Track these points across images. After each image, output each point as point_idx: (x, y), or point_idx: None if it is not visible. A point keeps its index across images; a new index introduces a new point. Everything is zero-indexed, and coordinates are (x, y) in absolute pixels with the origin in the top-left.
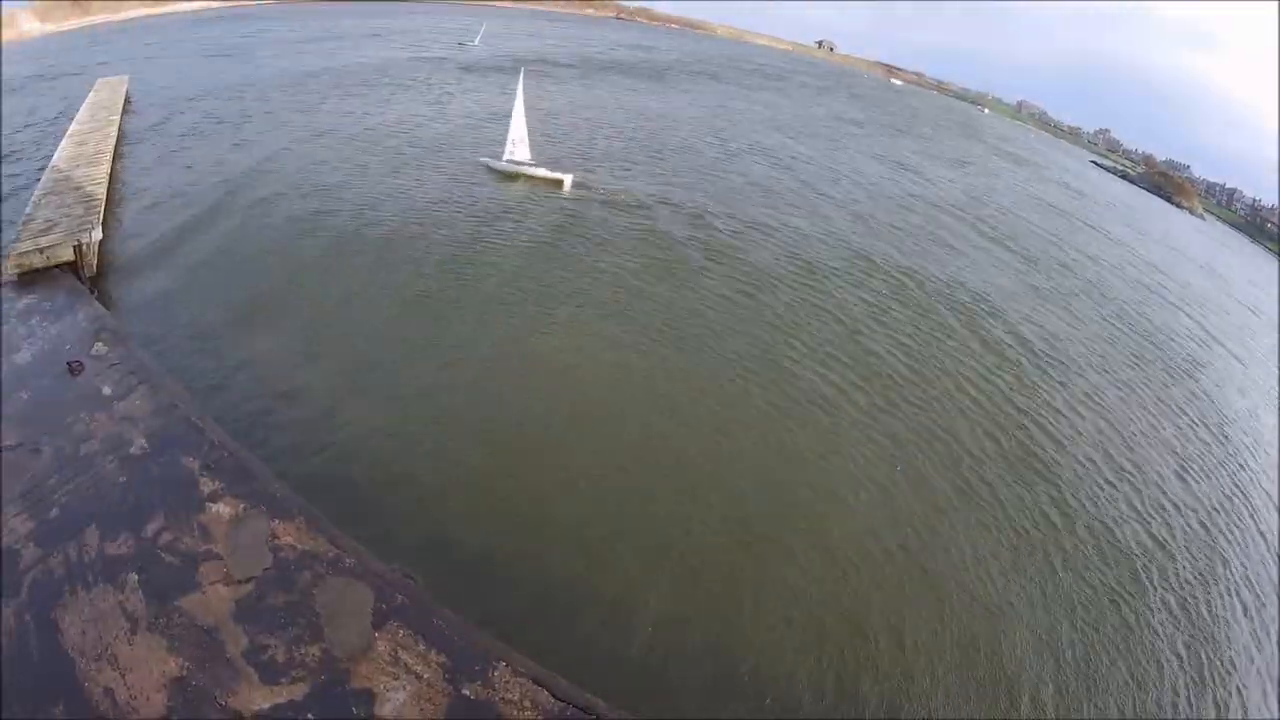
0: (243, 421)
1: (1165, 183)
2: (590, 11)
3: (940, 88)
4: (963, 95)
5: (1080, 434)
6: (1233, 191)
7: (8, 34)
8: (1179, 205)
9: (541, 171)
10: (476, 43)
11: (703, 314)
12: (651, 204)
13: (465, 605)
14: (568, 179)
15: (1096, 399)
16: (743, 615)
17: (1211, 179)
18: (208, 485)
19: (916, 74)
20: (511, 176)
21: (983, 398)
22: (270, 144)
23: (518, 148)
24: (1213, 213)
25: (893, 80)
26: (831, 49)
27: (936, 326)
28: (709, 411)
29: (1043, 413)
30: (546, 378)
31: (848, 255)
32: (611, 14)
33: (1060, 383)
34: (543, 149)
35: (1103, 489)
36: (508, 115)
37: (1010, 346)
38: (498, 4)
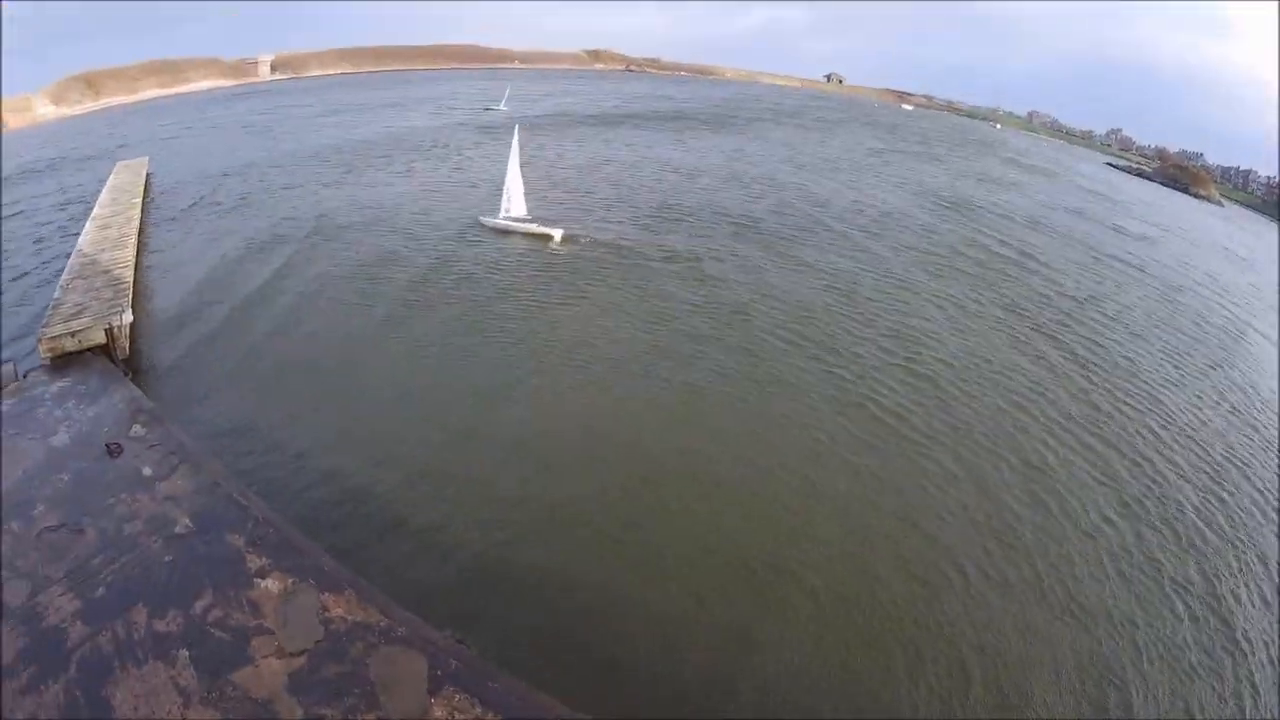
0: (286, 496)
1: (1181, 174)
2: (600, 66)
3: (950, 108)
4: (973, 113)
5: None
6: (1248, 173)
7: (22, 119)
8: (1197, 195)
9: (533, 227)
10: (503, 106)
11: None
12: (701, 255)
13: (524, 670)
14: (557, 233)
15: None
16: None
17: (1225, 164)
18: (255, 561)
19: (926, 97)
20: (505, 233)
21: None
22: (294, 220)
23: (513, 203)
24: (1229, 197)
25: (903, 105)
26: (841, 81)
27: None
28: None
29: None
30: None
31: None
32: (620, 67)
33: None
34: (571, 204)
35: None
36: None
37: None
38: (506, 66)
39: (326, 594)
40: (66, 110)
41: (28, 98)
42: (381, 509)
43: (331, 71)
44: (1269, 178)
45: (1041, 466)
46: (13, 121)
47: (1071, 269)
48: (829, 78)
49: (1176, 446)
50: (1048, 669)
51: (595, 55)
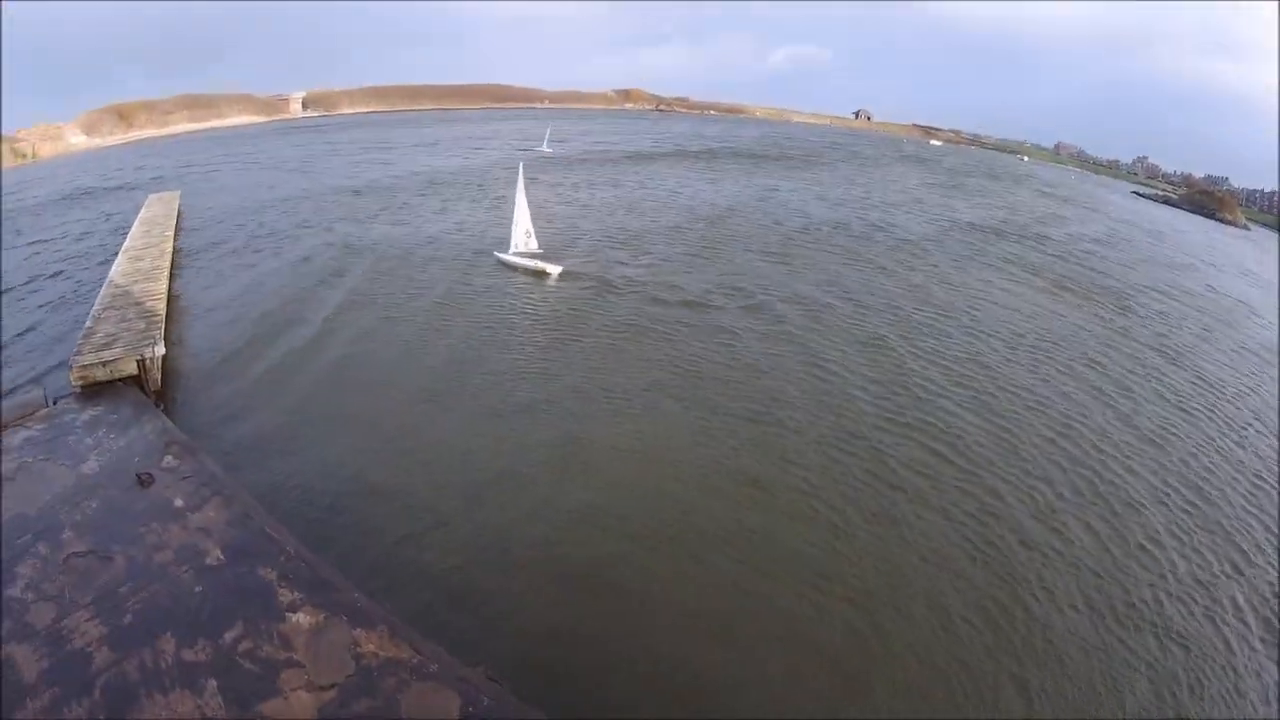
0: (318, 531)
1: (1207, 200)
2: (630, 106)
3: (977, 142)
4: (1000, 146)
5: None
6: (1272, 194)
7: (54, 148)
8: (1223, 220)
9: (533, 264)
10: (545, 148)
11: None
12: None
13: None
14: (555, 270)
15: None
16: None
17: (1250, 187)
18: (286, 595)
19: (954, 131)
20: (513, 269)
21: None
22: (327, 257)
23: (518, 238)
24: (1255, 219)
25: (931, 141)
26: (869, 118)
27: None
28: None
29: None
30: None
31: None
32: (650, 106)
33: None
34: (611, 243)
35: None
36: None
37: None
38: (536, 106)
39: (359, 629)
40: (98, 141)
41: (59, 127)
42: (429, 559)
43: (362, 109)
44: None
45: None
46: (44, 150)
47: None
48: (857, 114)
49: None
50: None
51: (625, 95)
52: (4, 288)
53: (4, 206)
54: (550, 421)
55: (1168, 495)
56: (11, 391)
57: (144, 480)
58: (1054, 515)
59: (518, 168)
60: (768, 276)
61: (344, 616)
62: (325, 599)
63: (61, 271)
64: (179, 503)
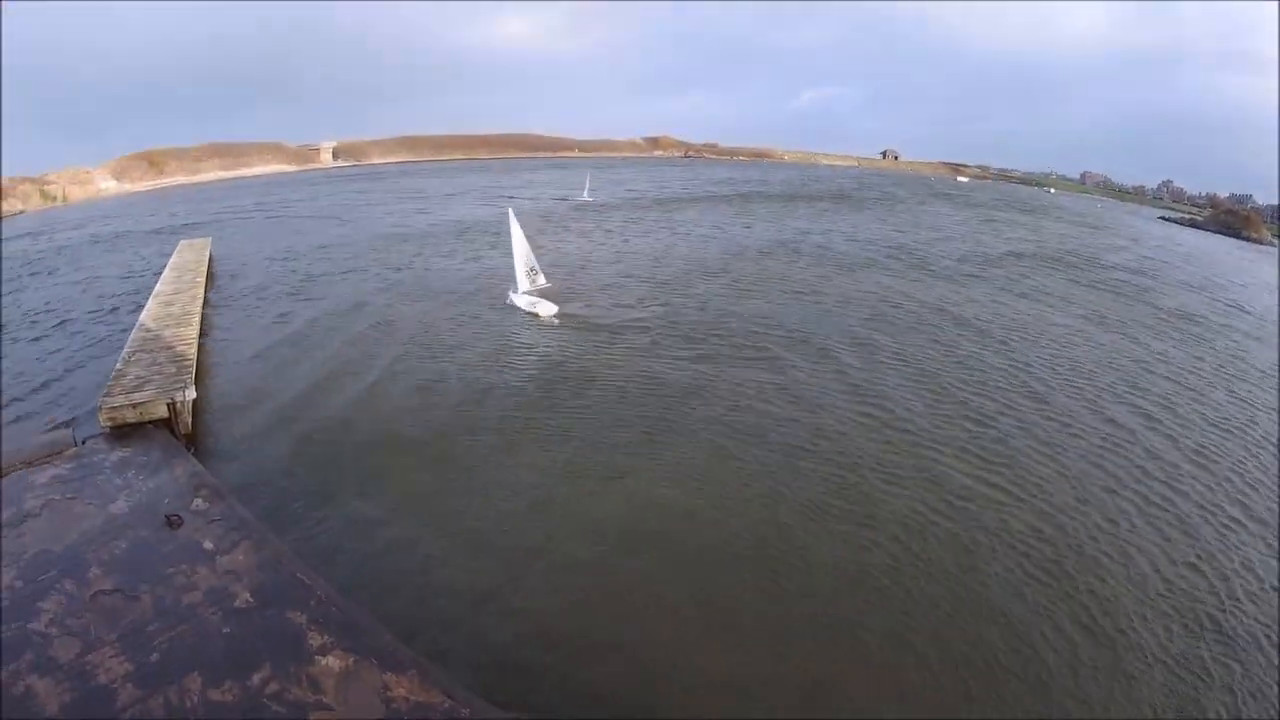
0: (349, 576)
1: (1233, 220)
2: (659, 153)
3: (1004, 176)
4: (1027, 180)
5: None
6: None
7: (84, 192)
8: (1249, 238)
9: (526, 301)
10: (586, 196)
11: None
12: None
13: None
14: (547, 311)
15: None
16: None
17: (1274, 203)
18: (316, 638)
19: (980, 167)
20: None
21: None
22: (357, 305)
23: (523, 279)
24: None
25: (959, 178)
26: (896, 157)
27: None
28: None
29: None
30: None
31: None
32: (679, 153)
33: None
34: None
35: None
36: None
37: None
38: (567, 155)
39: (389, 674)
40: (129, 186)
41: (89, 171)
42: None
43: (392, 159)
44: None
45: None
46: (74, 194)
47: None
48: (884, 154)
49: None
50: None
51: (654, 142)
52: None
53: (35, 247)
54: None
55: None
56: (31, 426)
57: (173, 522)
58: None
59: (508, 212)
60: (813, 318)
61: (374, 660)
62: (356, 642)
63: (90, 312)
64: (208, 545)
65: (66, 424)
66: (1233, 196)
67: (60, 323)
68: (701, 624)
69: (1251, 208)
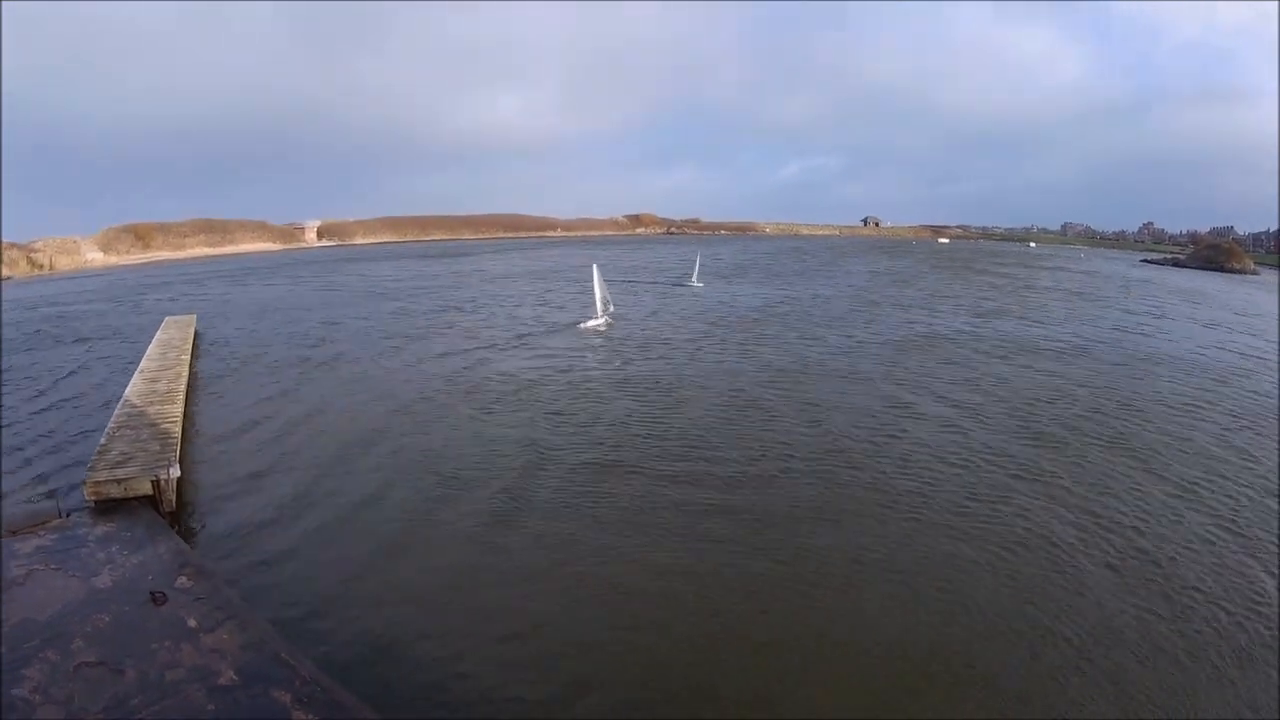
0: (334, 657)
1: (1215, 254)
2: (641, 230)
3: (985, 235)
4: (1009, 236)
5: None
6: (1277, 233)
7: (71, 262)
8: (1232, 270)
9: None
10: (696, 282)
11: None
12: None
13: None
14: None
15: None
16: None
17: (1254, 230)
18: (301, 716)
19: (961, 228)
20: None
21: None
22: (347, 388)
23: (600, 309)
24: (1263, 262)
25: (940, 240)
26: (877, 224)
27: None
28: None
29: None
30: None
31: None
32: (661, 230)
33: None
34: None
35: None
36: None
37: None
38: (550, 235)
39: None
40: (115, 259)
41: (76, 241)
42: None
43: (376, 240)
44: None
45: None
46: (61, 264)
47: None
48: (866, 222)
49: None
50: None
51: (636, 220)
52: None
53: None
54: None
55: None
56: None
57: (157, 599)
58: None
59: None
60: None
61: None
62: None
63: (74, 386)
64: (192, 623)
65: (50, 495)
66: (1214, 231)
67: (43, 393)
68: None
69: (1233, 238)
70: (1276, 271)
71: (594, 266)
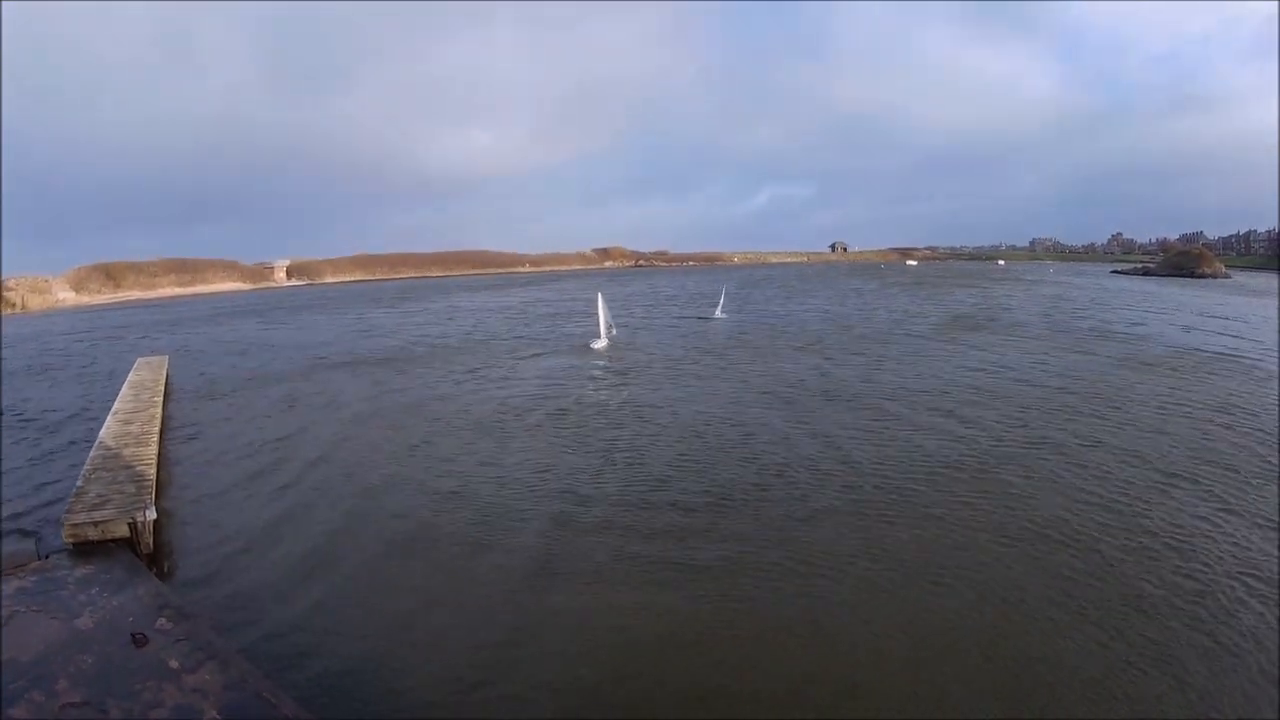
0: (317, 697)
1: (1184, 260)
2: (610, 264)
3: (954, 254)
4: (978, 255)
5: None
6: (1248, 235)
7: (42, 301)
8: (1203, 275)
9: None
10: (600, 342)
11: None
12: None
13: None
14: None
15: None
16: None
17: (1224, 234)
18: None
19: (930, 249)
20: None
21: None
22: (319, 429)
23: (603, 332)
24: (1234, 265)
25: (908, 262)
26: (845, 249)
27: None
28: None
29: None
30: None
31: None
32: (630, 263)
33: None
34: None
35: None
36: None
37: None
38: (518, 270)
39: None
40: (86, 299)
41: (48, 280)
42: None
43: (345, 278)
44: (1269, 231)
45: None
46: (32, 303)
47: None
48: (833, 247)
49: None
50: None
51: (604, 253)
52: None
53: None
54: None
55: None
56: None
57: (139, 640)
58: None
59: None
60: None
61: None
62: None
63: (49, 426)
64: (174, 664)
65: (29, 535)
66: (1183, 237)
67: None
68: None
69: (1203, 243)
70: (1247, 274)
71: (598, 295)
